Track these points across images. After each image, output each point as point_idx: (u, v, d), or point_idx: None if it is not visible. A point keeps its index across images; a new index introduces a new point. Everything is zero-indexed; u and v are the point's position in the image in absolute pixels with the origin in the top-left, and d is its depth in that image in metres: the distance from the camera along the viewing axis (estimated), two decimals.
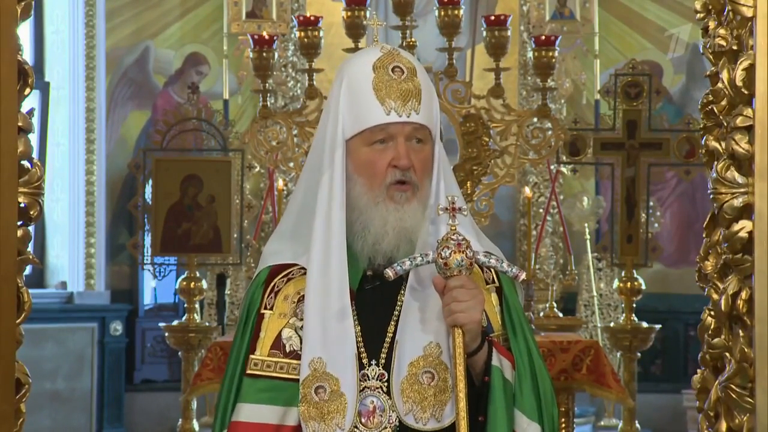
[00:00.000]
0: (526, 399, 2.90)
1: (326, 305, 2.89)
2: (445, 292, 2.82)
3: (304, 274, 2.95)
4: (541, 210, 10.41)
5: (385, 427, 2.87)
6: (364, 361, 2.90)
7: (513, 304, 2.99)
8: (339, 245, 2.89)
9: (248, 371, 2.94)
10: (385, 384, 2.88)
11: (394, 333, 2.91)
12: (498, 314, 2.98)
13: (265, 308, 2.97)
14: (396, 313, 2.92)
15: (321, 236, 2.90)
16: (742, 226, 2.85)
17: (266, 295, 2.98)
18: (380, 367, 2.89)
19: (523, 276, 2.86)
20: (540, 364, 2.96)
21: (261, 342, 2.95)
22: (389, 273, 2.80)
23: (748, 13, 2.84)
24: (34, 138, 2.84)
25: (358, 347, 2.89)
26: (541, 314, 7.82)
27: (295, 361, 2.91)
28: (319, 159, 2.96)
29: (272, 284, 2.98)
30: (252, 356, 2.94)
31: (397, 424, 2.87)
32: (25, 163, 2.81)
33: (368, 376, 2.89)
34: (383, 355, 2.89)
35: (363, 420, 2.87)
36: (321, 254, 2.90)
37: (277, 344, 2.94)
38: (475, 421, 2.83)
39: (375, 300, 2.91)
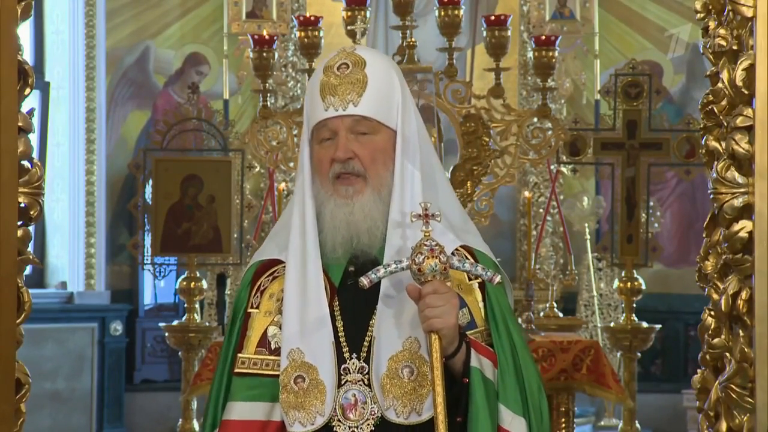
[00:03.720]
0: (509, 393, 2.92)
1: (304, 298, 2.94)
2: (419, 299, 2.84)
3: None
4: (541, 210, 10.41)
5: (367, 420, 2.90)
6: (346, 355, 2.93)
7: (496, 299, 3.01)
8: (313, 241, 2.96)
9: (236, 370, 3.00)
10: (366, 377, 2.92)
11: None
12: (482, 309, 3.00)
13: (252, 307, 3.04)
14: (377, 308, 2.94)
15: (298, 234, 2.98)
16: (742, 226, 2.85)
17: (252, 295, 3.05)
18: (361, 361, 2.92)
19: (497, 279, 2.89)
20: (526, 357, 2.97)
21: (248, 340, 3.01)
22: (364, 281, 2.84)
23: (748, 13, 2.84)
24: (34, 138, 2.85)
25: (339, 341, 2.93)
26: (541, 314, 7.82)
27: (280, 358, 2.95)
28: (299, 162, 3.07)
29: (258, 283, 3.05)
30: (240, 355, 3.00)
31: (379, 416, 2.90)
32: (25, 163, 2.81)
33: (349, 370, 2.92)
34: (364, 349, 2.93)
35: (346, 413, 2.90)
36: (298, 251, 2.97)
37: (263, 342, 2.99)
38: (455, 422, 2.85)
39: (357, 295, 2.93)
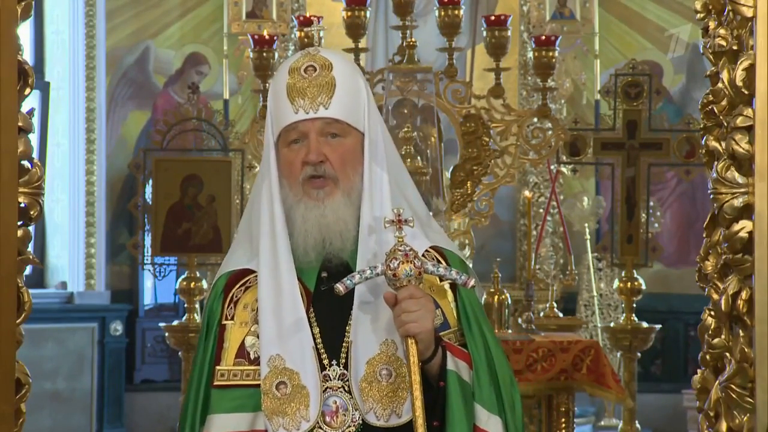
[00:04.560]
0: (485, 392, 2.93)
1: (279, 303, 2.92)
2: (395, 304, 2.84)
3: None
4: (541, 210, 10.42)
5: (349, 426, 2.89)
6: (325, 361, 2.92)
7: (468, 299, 3.01)
8: (284, 246, 2.94)
9: (216, 382, 2.96)
10: (347, 383, 2.91)
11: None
12: (454, 310, 3.00)
13: (226, 319, 3.00)
14: (353, 313, 2.94)
15: (267, 238, 2.96)
16: (742, 226, 2.85)
17: (226, 306, 3.01)
18: (341, 367, 2.92)
19: (472, 283, 2.90)
20: (498, 353, 2.99)
21: (225, 352, 2.97)
22: (339, 288, 2.83)
23: (748, 13, 2.84)
24: (34, 138, 2.84)
25: (318, 348, 2.92)
26: (541, 314, 7.82)
27: (260, 367, 2.93)
28: (263, 166, 3.05)
29: (230, 294, 3.02)
30: (218, 367, 2.97)
31: (361, 422, 2.89)
32: (25, 163, 2.81)
33: (330, 377, 2.91)
34: (343, 355, 2.92)
35: (327, 420, 2.89)
36: (269, 256, 2.95)
37: (242, 353, 2.96)
38: (432, 426, 2.85)
39: (332, 301, 2.91)
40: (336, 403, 2.90)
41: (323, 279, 2.96)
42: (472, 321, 2.99)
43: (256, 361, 2.93)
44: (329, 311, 2.94)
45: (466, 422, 2.87)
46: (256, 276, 2.98)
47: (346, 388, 2.90)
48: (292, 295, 2.92)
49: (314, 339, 2.92)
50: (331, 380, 2.91)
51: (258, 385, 2.91)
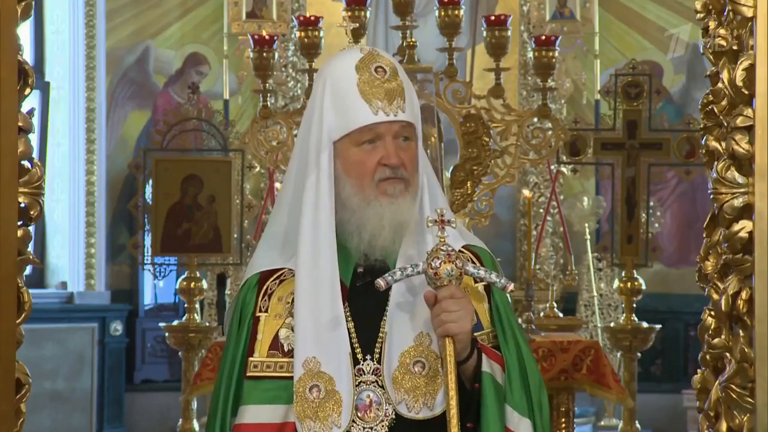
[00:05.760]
0: (516, 395, 2.94)
1: (318, 305, 2.92)
2: (434, 304, 2.85)
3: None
4: (541, 210, 10.42)
5: (382, 421, 2.90)
6: (359, 356, 2.93)
7: (501, 301, 3.03)
8: (329, 246, 2.93)
9: (249, 374, 2.96)
10: (381, 378, 2.92)
11: None
12: (487, 312, 3.02)
13: (260, 311, 3.00)
14: (389, 307, 2.95)
15: (309, 237, 2.94)
16: (742, 226, 2.85)
17: (260, 299, 3.01)
18: (375, 362, 2.92)
19: (511, 287, 2.91)
20: (529, 357, 3.00)
21: (259, 344, 2.97)
22: (381, 283, 2.84)
23: (749, 13, 2.84)
24: (34, 138, 2.84)
25: (352, 343, 2.93)
26: (541, 314, 7.81)
27: (293, 364, 2.93)
28: (304, 161, 3.01)
29: (265, 287, 3.02)
30: (251, 359, 2.97)
31: (394, 417, 2.90)
32: (25, 163, 2.81)
33: (363, 371, 2.92)
34: (377, 350, 2.93)
35: (360, 414, 2.90)
36: (309, 254, 2.93)
37: (275, 345, 2.97)
38: (465, 428, 2.86)
39: (368, 296, 2.93)
40: (369, 397, 2.91)
41: (359, 274, 2.97)
42: (505, 324, 3.01)
43: (290, 354, 2.93)
44: (364, 306, 2.95)
45: (499, 424, 2.89)
46: (290, 270, 2.97)
47: (380, 383, 2.91)
48: (331, 292, 2.92)
49: (349, 333, 2.93)
50: (364, 374, 2.91)
51: (291, 377, 2.91)
